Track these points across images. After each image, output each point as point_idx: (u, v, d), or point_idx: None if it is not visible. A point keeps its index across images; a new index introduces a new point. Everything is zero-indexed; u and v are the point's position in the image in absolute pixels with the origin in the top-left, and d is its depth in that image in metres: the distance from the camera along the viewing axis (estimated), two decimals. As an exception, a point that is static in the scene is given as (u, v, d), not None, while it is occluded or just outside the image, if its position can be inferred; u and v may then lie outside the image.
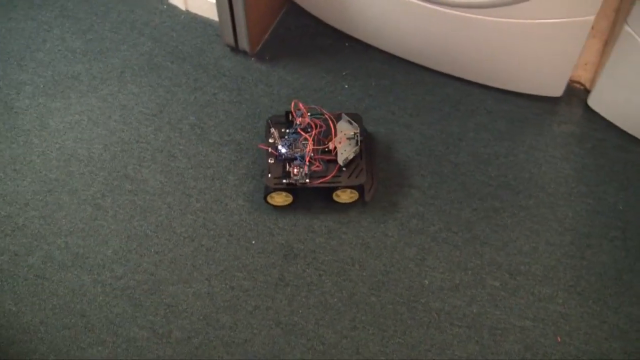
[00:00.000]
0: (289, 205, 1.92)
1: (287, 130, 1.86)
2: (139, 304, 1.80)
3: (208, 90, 2.08)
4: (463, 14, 1.85)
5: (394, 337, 1.77)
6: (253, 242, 1.86)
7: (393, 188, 1.97)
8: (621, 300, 1.83)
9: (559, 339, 1.77)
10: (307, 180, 1.80)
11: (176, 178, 1.94)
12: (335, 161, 1.81)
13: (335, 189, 1.83)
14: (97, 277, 1.83)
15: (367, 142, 1.91)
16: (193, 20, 2.24)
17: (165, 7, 2.27)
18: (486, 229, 1.89)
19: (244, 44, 2.08)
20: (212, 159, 1.97)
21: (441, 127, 2.05)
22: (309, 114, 1.87)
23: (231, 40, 2.09)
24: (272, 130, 1.86)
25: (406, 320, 1.78)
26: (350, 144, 1.85)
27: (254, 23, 2.04)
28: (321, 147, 1.83)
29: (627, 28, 1.79)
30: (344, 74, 2.12)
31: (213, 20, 2.13)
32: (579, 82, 2.11)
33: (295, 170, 1.81)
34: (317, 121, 1.85)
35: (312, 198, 1.94)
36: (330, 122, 1.86)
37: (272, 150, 1.84)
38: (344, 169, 1.82)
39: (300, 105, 1.87)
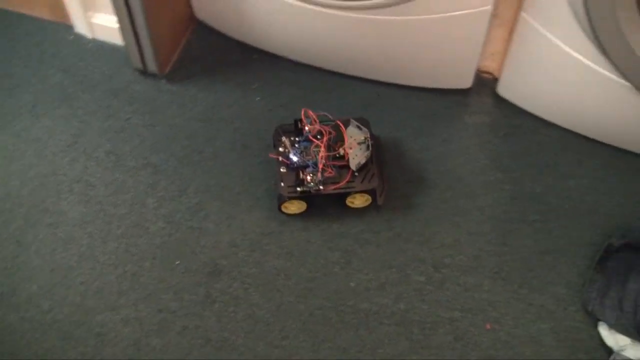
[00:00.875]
0: (303, 213, 1.92)
1: (297, 139, 1.85)
2: (69, 337, 1.79)
3: (121, 116, 2.07)
4: (362, 15, 1.86)
5: (325, 342, 1.78)
6: (177, 262, 1.85)
7: (312, 194, 1.93)
8: (546, 282, 1.85)
9: (488, 326, 1.78)
10: (321, 187, 1.80)
11: (95, 207, 1.93)
12: (347, 167, 1.81)
13: (349, 194, 1.84)
14: (24, 314, 1.81)
15: (375, 146, 1.91)
16: (101, 48, 2.23)
17: (72, 37, 2.26)
18: (407, 225, 1.90)
19: (152, 66, 2.07)
20: (130, 184, 1.96)
21: (354, 129, 2.03)
22: (318, 120, 1.86)
23: (139, 64, 2.08)
24: (284, 138, 1.86)
25: (335, 324, 1.78)
26: (361, 149, 1.86)
27: (161, 45, 2.04)
28: (332, 153, 1.84)
29: (523, 14, 1.82)
30: (254, 86, 2.12)
31: (120, 45, 2.12)
32: (488, 72, 2.13)
33: (309, 177, 1.80)
34: (327, 128, 1.84)
35: (325, 205, 1.96)
36: (341, 128, 1.87)
37: (283, 159, 1.83)
38: (356, 174, 1.82)
39: (310, 112, 1.87)
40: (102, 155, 2.01)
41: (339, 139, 1.87)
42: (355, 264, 1.85)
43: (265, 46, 2.13)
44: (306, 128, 1.87)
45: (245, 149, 2.00)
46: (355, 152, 1.84)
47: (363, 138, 1.86)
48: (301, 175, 1.80)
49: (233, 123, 2.05)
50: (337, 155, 1.86)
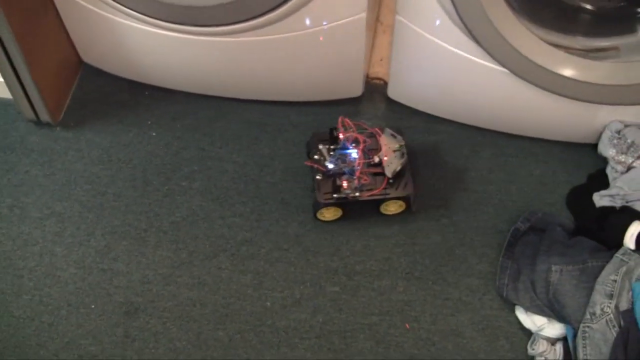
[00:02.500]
0: (339, 219, 1.95)
1: (331, 147, 1.85)
2: (-12, 398, 1.72)
3: (20, 169, 2.06)
4: (241, 39, 1.88)
5: (248, 365, 1.73)
6: (92, 306, 1.85)
7: (216, 221, 1.98)
8: (459, 274, 1.88)
9: (407, 326, 1.81)
10: (358, 194, 1.81)
11: (4, 262, 1.92)
12: (382, 174, 1.82)
13: (384, 201, 1.85)
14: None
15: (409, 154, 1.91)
16: (-9, 104, 2.20)
17: (-40, 97, 2.23)
18: (315, 238, 1.92)
19: (44, 116, 2.07)
20: (37, 235, 1.96)
21: (251, 151, 2.07)
22: (350, 129, 1.88)
23: (32, 115, 2.07)
24: (320, 146, 1.89)
25: (256, 346, 1.79)
26: (396, 157, 1.88)
27: (50, 93, 2.04)
28: (368, 160, 1.85)
29: (398, 17, 1.85)
30: (149, 123, 2.13)
31: (10, 99, 2.09)
32: (378, 78, 2.16)
33: (345, 184, 1.81)
34: (362, 136, 1.86)
35: (361, 211, 1.98)
36: (377, 136, 1.91)
37: (319, 167, 1.84)
38: (391, 180, 1.84)
39: (347, 120, 1.89)
40: (4, 210, 2.00)
41: (373, 147, 1.89)
42: (268, 284, 1.85)
43: (155, 81, 2.14)
44: (341, 136, 1.88)
45: (147, 185, 2.01)
46: (391, 160, 1.87)
47: (398, 146, 1.89)
48: (337, 182, 1.82)
49: (132, 161, 2.05)
50: (372, 163, 1.88)
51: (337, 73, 2.02)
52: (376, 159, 1.88)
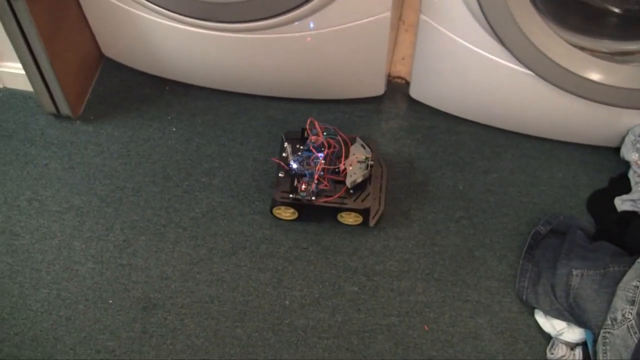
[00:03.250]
0: (294, 220, 1.94)
1: (300, 147, 1.84)
2: (6, 391, 1.71)
3: (39, 162, 2.06)
4: (267, 35, 1.87)
5: (266, 364, 1.72)
6: (110, 301, 1.85)
7: (236, 218, 1.97)
8: (478, 277, 1.86)
9: (426, 328, 1.80)
10: (313, 198, 1.80)
11: (22, 255, 1.91)
12: (344, 182, 1.81)
13: (340, 210, 1.83)
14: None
15: (378, 168, 1.92)
16: (12, 96, 2.21)
17: (-18, 89, 2.23)
18: (334, 237, 1.91)
19: (65, 109, 2.06)
20: (55, 229, 1.95)
21: (272, 149, 2.06)
22: (324, 133, 1.88)
23: (52, 108, 2.07)
24: (286, 144, 1.87)
25: (275, 344, 1.78)
26: (360, 168, 1.86)
27: (71, 87, 2.03)
28: (331, 167, 1.83)
29: (422, 17, 1.84)
30: (169, 118, 2.12)
31: (32, 92, 2.09)
32: (400, 77, 2.16)
33: (303, 186, 1.80)
34: (332, 141, 1.83)
35: (316, 217, 1.95)
36: (344, 144, 1.85)
37: (284, 165, 1.83)
38: (351, 191, 1.82)
39: (316, 124, 1.87)
40: (24, 203, 1.99)
41: (342, 155, 1.87)
42: (287, 282, 1.84)
43: (176, 76, 2.13)
44: (311, 138, 1.87)
45: (167, 180, 2.00)
46: (354, 170, 1.85)
47: (364, 157, 1.86)
48: (296, 182, 1.81)
49: (151, 156, 2.04)
50: (336, 170, 1.86)
51: (360, 72, 2.02)
52: (341, 167, 1.86)
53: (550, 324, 1.76)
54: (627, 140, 1.93)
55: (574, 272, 1.71)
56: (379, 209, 1.90)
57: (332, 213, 1.88)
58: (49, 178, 2.04)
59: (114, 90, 2.19)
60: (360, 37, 1.86)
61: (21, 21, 1.82)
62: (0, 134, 2.13)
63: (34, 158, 2.08)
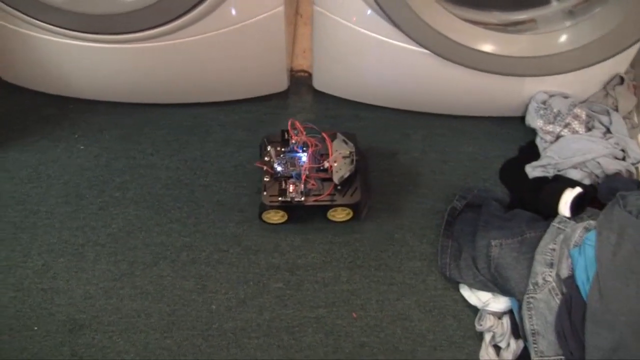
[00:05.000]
0: (284, 223, 1.93)
1: (283, 149, 1.83)
2: None
3: (-53, 196, 2.00)
4: (160, 43, 1.86)
5: (199, 370, 1.71)
6: (35, 328, 1.82)
7: (154, 229, 1.97)
8: (400, 259, 1.89)
9: (354, 315, 1.81)
10: (303, 198, 1.79)
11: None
12: (331, 180, 1.80)
13: (330, 207, 1.83)
14: None
15: (360, 162, 1.89)
16: None
17: None
18: (254, 237, 1.92)
19: (-32, 139, 2.01)
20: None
21: (183, 155, 2.06)
22: (304, 132, 1.84)
23: (-46, 140, 2.01)
24: (269, 148, 1.85)
25: (206, 350, 1.78)
26: (345, 163, 1.84)
27: (-29, 115, 1.98)
28: (316, 165, 1.82)
29: (316, 7, 1.84)
30: (76, 136, 2.10)
31: None
32: (302, 70, 2.16)
33: (292, 188, 1.80)
34: (313, 140, 1.82)
35: (307, 217, 1.95)
36: (327, 141, 1.85)
37: (268, 168, 1.82)
38: (339, 187, 1.81)
39: (297, 124, 1.85)
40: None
41: (324, 152, 1.87)
42: (212, 287, 1.84)
43: (78, 93, 2.11)
44: (293, 139, 1.86)
45: (80, 199, 1.98)
46: (340, 166, 1.84)
47: (348, 152, 1.85)
48: (284, 185, 1.80)
49: (62, 177, 2.02)
50: (322, 168, 1.86)
51: (261, 69, 2.02)
52: (325, 164, 1.86)
53: (475, 297, 1.78)
54: (530, 108, 1.97)
55: (493, 242, 1.73)
56: (367, 202, 1.92)
57: (322, 212, 1.89)
58: (-41, 212, 1.98)
59: (17, 113, 2.16)
60: (257, 34, 1.86)
61: None
62: None
63: (-60, 193, 2.02)
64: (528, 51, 1.77)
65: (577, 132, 1.90)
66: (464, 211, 1.88)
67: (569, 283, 1.62)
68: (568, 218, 1.74)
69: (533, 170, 1.91)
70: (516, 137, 2.06)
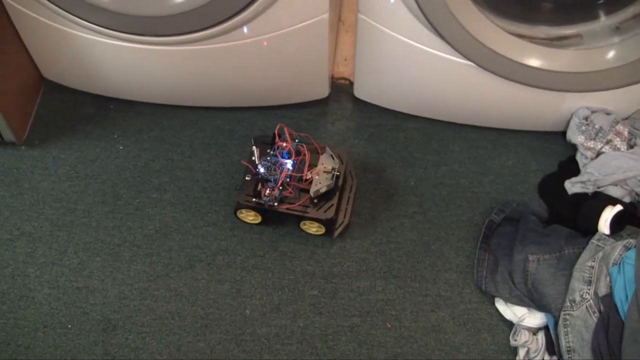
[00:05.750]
0: (258, 224, 1.94)
1: (271, 152, 1.81)
2: None
3: (-14, 191, 2.02)
4: (205, 46, 1.87)
5: (231, 375, 1.71)
6: (69, 326, 1.83)
7: (190, 232, 1.97)
8: (436, 270, 1.88)
9: (389, 325, 1.80)
10: (276, 204, 1.79)
11: (-25, 287, 1.86)
12: (309, 191, 1.76)
13: (302, 218, 1.81)
14: None
15: (349, 181, 1.91)
16: (-46, 126, 2.16)
17: None
18: (290, 243, 1.91)
19: (8, 135, 2.03)
20: (7, 257, 1.93)
21: (221, 159, 2.06)
22: (297, 140, 1.85)
23: (-4, 136, 2.03)
24: (254, 148, 1.81)
25: (238, 355, 1.78)
26: (326, 178, 1.84)
27: (13, 112, 2.01)
28: (297, 174, 1.81)
29: (360, 16, 1.83)
30: (115, 136, 2.10)
31: (-27, 121, 2.07)
32: (343, 78, 2.16)
33: (267, 191, 1.80)
34: (303, 149, 1.81)
35: (280, 223, 1.96)
36: (315, 153, 1.85)
37: (252, 168, 1.82)
38: (315, 200, 1.80)
39: (286, 129, 1.85)
40: (-27, 234, 1.95)
41: (312, 163, 1.86)
42: (247, 291, 1.84)
43: (119, 94, 2.11)
44: (278, 144, 1.86)
45: (117, 199, 1.99)
46: (320, 180, 1.83)
47: (330, 168, 1.85)
48: (260, 187, 1.80)
49: (100, 176, 2.03)
50: (305, 179, 1.85)
51: (303, 75, 2.01)
52: (308, 176, 1.85)
53: (511, 311, 1.77)
54: (572, 123, 1.95)
55: (530, 257, 1.72)
56: (343, 221, 1.90)
57: (295, 221, 1.88)
58: (-3, 206, 2.00)
59: (58, 112, 2.17)
60: (301, 40, 1.85)
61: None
62: (-55, 165, 2.09)
63: (-20, 187, 2.04)
64: (574, 66, 1.76)
65: (618, 149, 1.88)
66: (502, 225, 1.87)
67: (607, 301, 1.60)
68: (607, 236, 1.72)
69: (572, 186, 1.89)
70: (556, 152, 2.04)
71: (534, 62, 1.76)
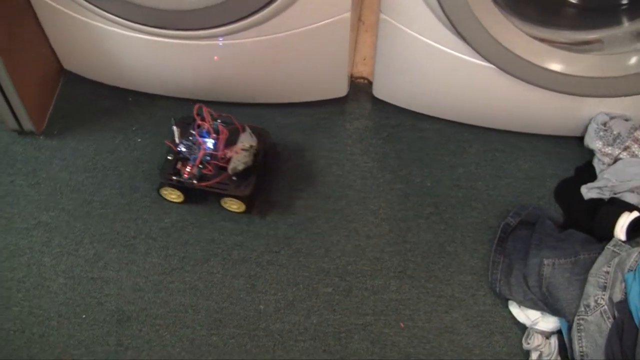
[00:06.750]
0: (180, 203, 1.98)
1: (191, 131, 1.84)
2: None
3: (4, 179, 2.04)
4: (225, 41, 1.84)
5: (243, 370, 1.71)
6: (83, 316, 1.84)
7: (206, 226, 1.97)
8: (451, 271, 1.88)
9: (402, 325, 1.80)
10: (195, 182, 1.81)
11: (-10, 276, 1.87)
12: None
13: (222, 195, 1.84)
14: None
15: (269, 159, 1.93)
16: (-27, 116, 2.17)
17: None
18: (306, 240, 1.91)
19: (28, 125, 2.04)
20: (24, 246, 1.93)
21: (238, 155, 2.03)
22: (218, 120, 1.89)
23: (15, 125, 2.05)
24: (174, 128, 1.83)
25: (251, 350, 1.78)
26: (245, 156, 1.85)
27: (32, 102, 2.01)
28: (215, 152, 1.82)
29: (382, 15, 1.84)
30: (134, 129, 2.11)
31: (-7, 109, 2.07)
32: (362, 77, 2.16)
33: (188, 169, 1.82)
34: (224, 128, 1.83)
35: (202, 201, 1.97)
36: (237, 131, 1.86)
37: (173, 147, 1.84)
38: (234, 178, 1.81)
39: (204, 109, 1.87)
40: (-10, 223, 1.95)
41: (232, 142, 1.87)
42: (261, 287, 1.84)
43: (139, 87, 2.12)
44: (197, 123, 1.88)
45: (134, 191, 1.99)
46: (238, 158, 1.84)
47: (248, 146, 1.86)
48: (180, 165, 1.83)
49: (118, 168, 2.04)
50: (221, 157, 1.86)
51: (322, 74, 2.02)
52: (220, 154, 1.88)
53: (524, 315, 1.77)
54: (590, 128, 1.95)
55: (545, 261, 1.72)
56: (254, 197, 1.96)
57: (216, 198, 1.89)
58: (15, 195, 2.02)
59: (77, 103, 2.18)
60: (321, 38, 1.86)
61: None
62: (-37, 153, 2.10)
63: (-1, 176, 2.05)
64: (595, 71, 1.76)
65: (636, 155, 1.88)
66: (518, 228, 1.87)
67: (622, 307, 1.60)
68: (623, 242, 1.71)
69: (589, 192, 1.89)
70: (573, 156, 2.04)
71: (555, 66, 1.76)
